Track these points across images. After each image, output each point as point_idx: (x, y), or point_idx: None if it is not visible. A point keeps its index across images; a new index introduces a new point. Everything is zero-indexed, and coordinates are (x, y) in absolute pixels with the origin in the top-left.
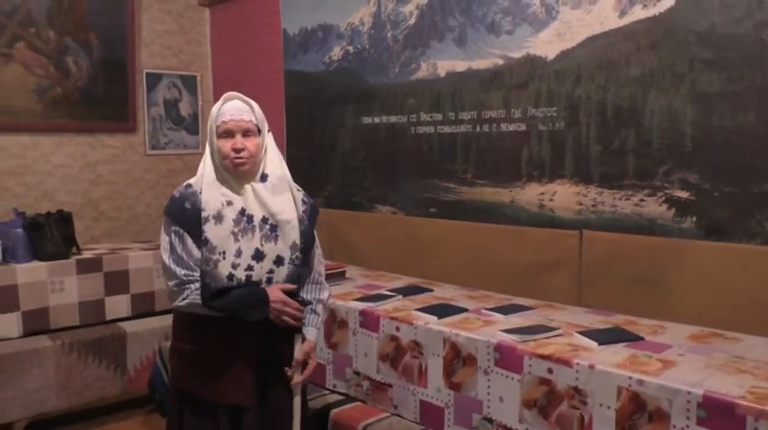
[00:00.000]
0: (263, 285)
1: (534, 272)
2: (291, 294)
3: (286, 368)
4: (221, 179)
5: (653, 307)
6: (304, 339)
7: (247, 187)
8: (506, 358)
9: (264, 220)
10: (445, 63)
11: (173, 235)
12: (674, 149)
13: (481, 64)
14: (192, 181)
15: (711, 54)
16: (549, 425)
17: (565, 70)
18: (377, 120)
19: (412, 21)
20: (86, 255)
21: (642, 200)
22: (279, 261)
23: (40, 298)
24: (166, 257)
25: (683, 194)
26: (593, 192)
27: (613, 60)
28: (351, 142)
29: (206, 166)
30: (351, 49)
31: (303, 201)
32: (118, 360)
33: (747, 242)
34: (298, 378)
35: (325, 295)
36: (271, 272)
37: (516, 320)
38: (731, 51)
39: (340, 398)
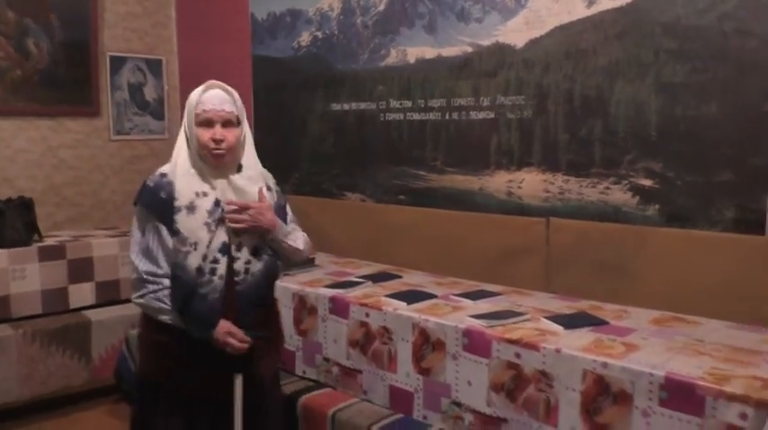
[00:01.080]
0: (241, 277)
1: (503, 258)
2: (246, 328)
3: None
4: (197, 168)
5: (618, 292)
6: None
7: (223, 179)
8: (475, 343)
9: (240, 212)
10: (415, 50)
11: (147, 226)
12: (639, 138)
13: (451, 51)
14: (165, 169)
15: (676, 45)
16: (516, 408)
17: (533, 59)
18: (346, 106)
19: (381, 7)
20: (49, 242)
21: (608, 188)
22: (255, 251)
23: (1, 286)
24: (134, 249)
25: (648, 182)
26: (560, 180)
27: (581, 50)
28: (320, 129)
29: (180, 154)
30: (320, 34)
31: (274, 188)
32: (82, 349)
33: (709, 229)
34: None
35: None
36: (248, 263)
37: (485, 306)
38: (695, 42)
39: (310, 384)
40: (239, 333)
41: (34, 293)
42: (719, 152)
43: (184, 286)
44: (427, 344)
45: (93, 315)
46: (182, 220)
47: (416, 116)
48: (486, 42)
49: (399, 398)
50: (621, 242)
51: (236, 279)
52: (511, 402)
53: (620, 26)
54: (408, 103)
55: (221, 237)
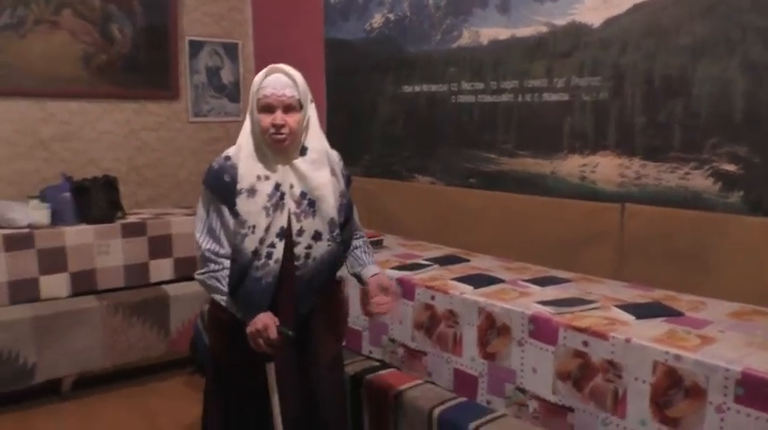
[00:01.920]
0: (300, 261)
1: (574, 244)
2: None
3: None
4: (260, 152)
5: (695, 282)
6: (361, 279)
7: (285, 163)
8: (541, 329)
9: (303, 195)
10: (488, 31)
11: (210, 206)
12: (724, 121)
13: (525, 32)
14: (230, 152)
15: (766, 22)
16: (583, 398)
17: (611, 38)
18: (417, 88)
19: None
20: (131, 219)
21: (688, 173)
22: (317, 236)
23: (88, 260)
24: (198, 228)
25: (731, 168)
26: (637, 165)
27: (662, 28)
28: (391, 111)
29: (244, 137)
30: (392, 16)
31: (340, 172)
32: (161, 321)
33: None
34: (383, 307)
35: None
36: (309, 247)
37: (553, 292)
38: None
39: (375, 364)
40: (272, 334)
41: (117, 268)
42: None
43: (240, 268)
44: (493, 328)
45: (171, 289)
46: (241, 203)
47: (488, 98)
48: (561, 22)
49: (463, 382)
50: (701, 230)
51: (295, 263)
52: (577, 391)
53: (706, 2)
54: (480, 85)
55: (280, 221)
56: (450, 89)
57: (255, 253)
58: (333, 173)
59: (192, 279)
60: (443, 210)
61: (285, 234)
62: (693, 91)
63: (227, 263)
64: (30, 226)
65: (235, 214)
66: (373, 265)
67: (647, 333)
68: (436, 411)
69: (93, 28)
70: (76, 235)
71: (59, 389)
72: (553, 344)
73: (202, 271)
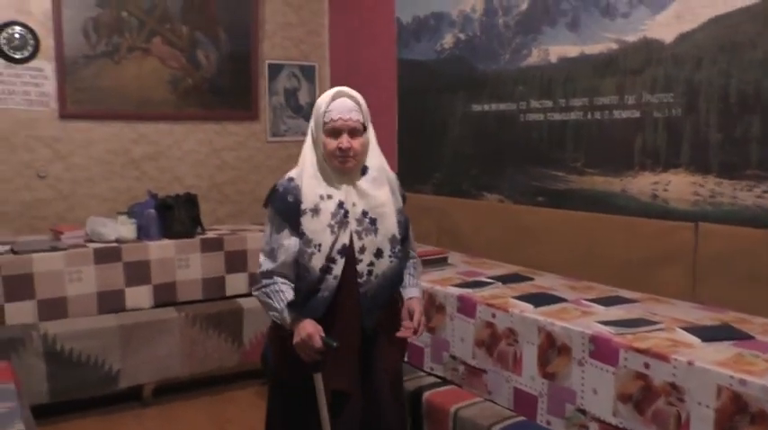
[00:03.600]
0: (363, 278)
1: (645, 264)
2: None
3: (401, 331)
4: (323, 172)
5: None
6: (402, 303)
7: (347, 182)
8: (601, 350)
9: (364, 214)
10: (557, 48)
11: (274, 226)
12: None
13: (594, 48)
14: (293, 173)
15: None
16: (645, 421)
17: (684, 54)
18: (486, 107)
19: (524, 6)
20: (210, 234)
21: (766, 191)
22: (379, 253)
23: (169, 273)
24: (263, 248)
25: None
26: (712, 183)
27: (738, 42)
28: (460, 130)
29: (306, 158)
30: (462, 36)
31: (398, 192)
32: (235, 333)
33: None
34: (407, 332)
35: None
36: (371, 265)
37: (617, 312)
38: None
39: (436, 380)
40: (316, 343)
41: (196, 281)
42: None
43: (308, 285)
44: (553, 348)
45: (245, 303)
46: (306, 223)
47: (557, 116)
48: (632, 38)
49: (523, 401)
50: None
51: (359, 280)
52: (639, 414)
53: None
54: (549, 103)
55: (343, 239)
56: (519, 107)
57: (323, 270)
58: (392, 191)
59: None
60: (510, 228)
61: (347, 252)
62: None
63: (279, 280)
64: (117, 240)
65: (300, 234)
66: (414, 288)
67: (711, 356)
68: (495, 429)
69: (181, 54)
70: (159, 249)
71: (141, 396)
72: (614, 365)
73: (257, 286)
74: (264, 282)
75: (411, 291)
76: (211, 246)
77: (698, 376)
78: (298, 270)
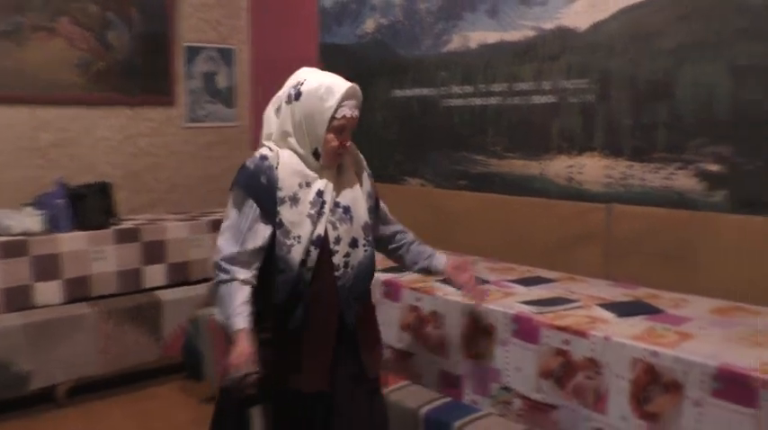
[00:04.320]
0: (340, 271)
1: (561, 245)
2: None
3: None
4: (304, 160)
5: (681, 281)
6: (435, 270)
7: (325, 169)
8: (523, 329)
9: (338, 202)
10: (477, 35)
11: (242, 208)
12: (708, 123)
13: (513, 35)
14: (266, 153)
15: (749, 24)
16: (566, 395)
17: (597, 42)
18: (408, 92)
19: None
20: (125, 225)
21: (673, 173)
22: (354, 243)
23: (81, 266)
24: (225, 231)
25: (716, 168)
26: (623, 166)
27: (647, 32)
28: (383, 115)
29: (286, 141)
30: (384, 21)
31: (367, 171)
32: (154, 327)
33: None
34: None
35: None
36: (347, 256)
37: (538, 292)
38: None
39: None
40: (246, 366)
41: (111, 274)
42: None
43: (289, 280)
44: (477, 329)
45: (164, 295)
46: (286, 212)
47: (478, 101)
48: (548, 26)
49: (450, 381)
50: (686, 229)
51: (336, 274)
52: (560, 389)
53: (690, 6)
54: (470, 89)
55: (319, 229)
56: (440, 93)
57: (302, 263)
58: (359, 174)
59: (185, 284)
60: (434, 212)
61: (322, 243)
62: (677, 93)
63: (239, 278)
64: (23, 233)
65: (278, 224)
66: (438, 253)
67: (626, 330)
68: (422, 411)
69: (91, 35)
70: (70, 241)
71: (55, 397)
72: (536, 343)
73: (219, 279)
74: (222, 276)
75: (441, 257)
76: (127, 236)
77: (614, 350)
78: (273, 263)
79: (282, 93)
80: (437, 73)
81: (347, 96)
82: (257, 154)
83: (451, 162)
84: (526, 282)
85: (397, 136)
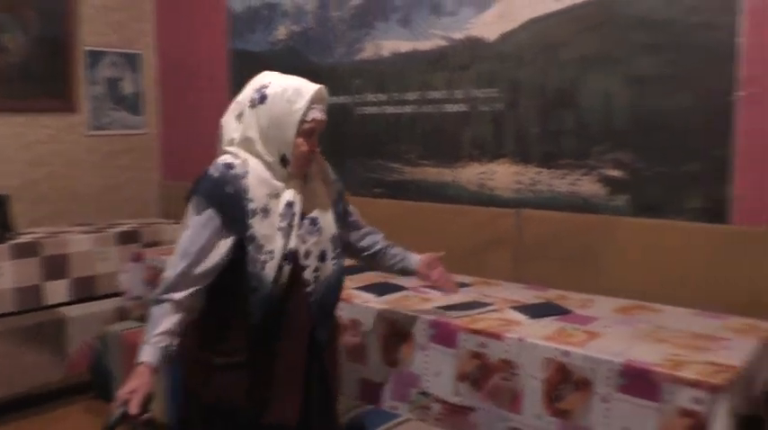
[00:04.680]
0: (311, 286)
1: (475, 250)
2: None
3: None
4: (271, 169)
5: (587, 282)
6: (409, 270)
7: (293, 178)
8: (441, 334)
9: (304, 213)
10: (390, 43)
11: (203, 220)
12: (609, 130)
13: (425, 45)
14: (231, 160)
15: (646, 38)
16: (483, 397)
17: (506, 52)
18: None
19: (357, 0)
20: (23, 239)
21: (578, 179)
22: (323, 256)
23: None
24: (178, 245)
25: (617, 173)
26: (532, 172)
27: (554, 43)
28: None
29: (251, 149)
30: (296, 28)
31: (333, 177)
32: (58, 345)
33: (676, 219)
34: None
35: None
36: (317, 270)
37: (453, 297)
38: (664, 35)
39: None
40: (134, 406)
41: (6, 291)
42: (687, 143)
43: (264, 299)
44: (397, 335)
45: (68, 311)
46: (257, 225)
47: (391, 109)
48: (459, 35)
49: (369, 391)
50: (590, 232)
51: (307, 290)
52: (477, 391)
53: (594, 19)
54: (383, 97)
55: (291, 243)
56: (355, 101)
57: (276, 280)
58: (326, 182)
59: (91, 299)
60: None
61: (293, 258)
62: (582, 102)
63: (178, 294)
64: None
65: (249, 239)
66: (410, 253)
67: (538, 331)
68: (342, 419)
69: None
70: None
71: None
72: (453, 347)
73: (157, 296)
74: (158, 294)
75: (414, 256)
76: (24, 251)
77: (528, 351)
78: (244, 281)
79: (243, 97)
80: (351, 81)
81: (316, 98)
82: (220, 161)
83: (367, 170)
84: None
85: None
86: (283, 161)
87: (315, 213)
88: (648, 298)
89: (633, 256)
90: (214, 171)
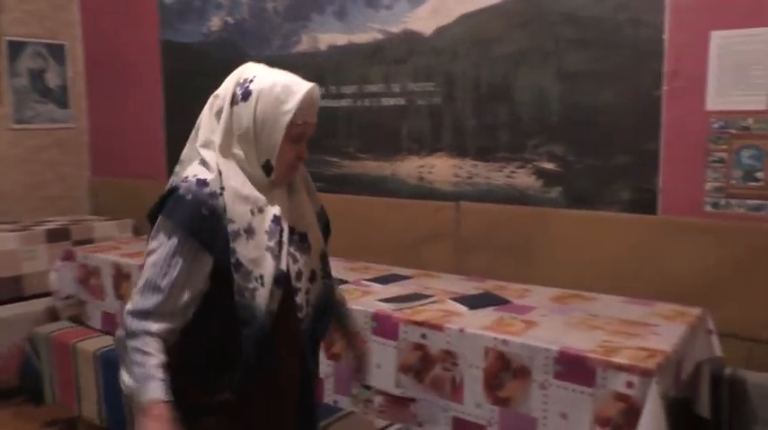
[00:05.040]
0: (303, 312)
1: (415, 242)
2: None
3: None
4: (252, 179)
5: (523, 272)
6: (351, 327)
7: (275, 188)
8: (383, 326)
9: (292, 229)
10: (327, 36)
11: (177, 250)
12: (542, 124)
13: (362, 38)
14: (204, 175)
15: (576, 34)
16: (425, 388)
17: (441, 46)
18: None
19: None
20: None
21: (513, 172)
22: (313, 277)
23: None
24: (144, 275)
25: (550, 166)
26: (469, 165)
27: (487, 38)
28: None
29: (226, 161)
30: (230, 19)
31: (313, 189)
32: None
33: (607, 210)
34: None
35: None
36: (308, 292)
37: (394, 290)
38: (593, 32)
39: None
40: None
41: None
42: (616, 136)
43: (257, 332)
44: (336, 329)
45: None
46: (242, 249)
47: (329, 103)
48: (395, 29)
49: None
50: (526, 224)
51: (299, 315)
52: (419, 382)
53: (524, 15)
54: (321, 90)
55: (282, 264)
56: None
57: (270, 312)
58: (309, 192)
59: (19, 300)
60: None
61: (285, 280)
62: (516, 96)
63: (154, 326)
64: None
65: (235, 266)
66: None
67: (478, 322)
68: None
69: None
70: None
71: None
72: (395, 340)
73: (127, 335)
74: (131, 328)
75: (353, 318)
76: None
77: (468, 341)
78: (230, 313)
79: (223, 91)
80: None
81: (309, 98)
82: (190, 176)
83: (306, 164)
84: (383, 280)
85: None
86: (266, 168)
87: (303, 228)
88: (582, 287)
89: (567, 247)
90: (185, 192)
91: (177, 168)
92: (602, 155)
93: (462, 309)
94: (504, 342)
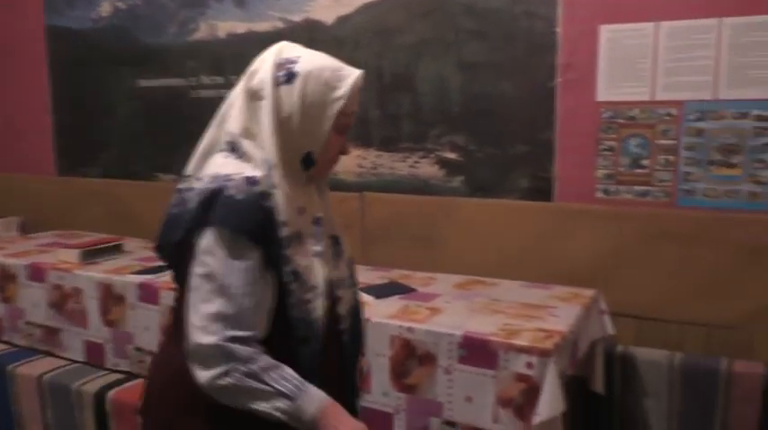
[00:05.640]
0: (346, 323)
1: None
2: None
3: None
4: (295, 175)
5: (429, 261)
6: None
7: (309, 187)
8: None
9: (328, 232)
10: (226, 24)
11: (242, 259)
12: (444, 114)
13: (262, 26)
14: (253, 174)
15: (475, 25)
16: None
17: (343, 36)
18: (155, 83)
19: None
20: None
21: (417, 161)
22: (351, 283)
23: None
24: (202, 300)
25: (452, 156)
26: (373, 155)
27: (388, 28)
28: (127, 107)
29: (270, 154)
30: (122, 5)
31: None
32: None
33: (507, 198)
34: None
35: None
36: (347, 302)
37: None
38: (491, 23)
39: (120, 377)
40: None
41: None
42: (514, 126)
43: (317, 351)
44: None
45: None
46: (298, 257)
47: (229, 92)
48: (297, 18)
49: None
50: (430, 213)
51: (341, 327)
52: None
53: (426, 5)
54: (220, 80)
55: (327, 271)
56: (189, 83)
57: (330, 324)
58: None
59: None
60: None
61: (331, 289)
62: (418, 86)
63: (261, 354)
64: None
65: (292, 275)
66: None
67: (384, 310)
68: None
69: None
70: None
71: None
72: None
73: (224, 369)
74: (236, 352)
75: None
76: None
77: (376, 330)
78: (286, 330)
79: (263, 72)
80: (185, 63)
81: (358, 85)
82: (239, 174)
83: None
84: None
85: (146, 129)
86: (306, 161)
87: (336, 231)
88: (485, 273)
89: (470, 234)
90: (235, 191)
91: (197, 162)
92: (502, 144)
93: (370, 298)
94: (410, 329)
